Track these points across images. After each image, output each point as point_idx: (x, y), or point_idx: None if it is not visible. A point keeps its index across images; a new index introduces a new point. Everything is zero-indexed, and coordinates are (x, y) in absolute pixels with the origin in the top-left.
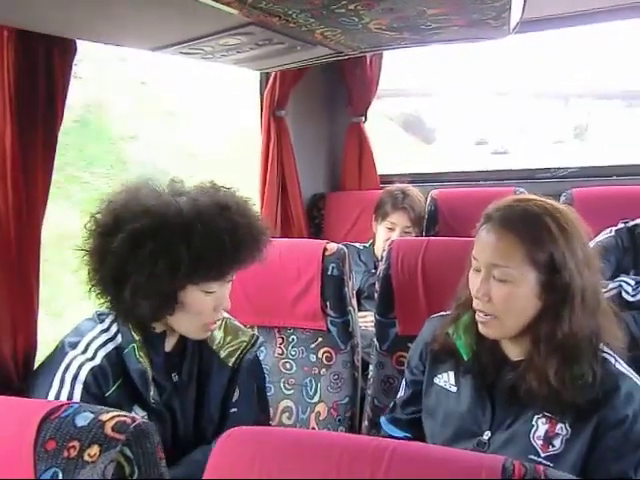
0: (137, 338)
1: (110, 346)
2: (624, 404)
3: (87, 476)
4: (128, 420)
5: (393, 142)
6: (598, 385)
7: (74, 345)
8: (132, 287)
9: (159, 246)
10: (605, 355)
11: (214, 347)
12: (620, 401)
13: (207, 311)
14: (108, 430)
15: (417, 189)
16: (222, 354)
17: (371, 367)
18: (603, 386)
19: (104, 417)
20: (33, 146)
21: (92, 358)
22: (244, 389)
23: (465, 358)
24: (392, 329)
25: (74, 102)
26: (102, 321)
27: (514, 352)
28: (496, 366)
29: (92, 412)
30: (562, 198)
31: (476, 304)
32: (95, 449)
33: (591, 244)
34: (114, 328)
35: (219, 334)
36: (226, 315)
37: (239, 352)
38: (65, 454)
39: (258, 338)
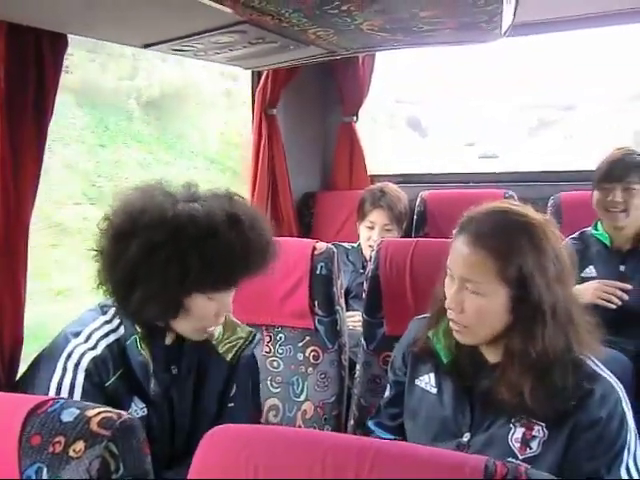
0: (139, 331)
1: (112, 337)
2: (598, 406)
3: (72, 472)
4: (114, 416)
5: (399, 134)
6: (573, 390)
7: (76, 334)
8: (142, 291)
9: (173, 255)
10: (582, 356)
11: (213, 342)
12: (595, 403)
13: (209, 316)
14: (94, 426)
15: (398, 188)
16: (220, 349)
17: (358, 366)
18: (579, 390)
19: (90, 413)
20: (23, 137)
21: (93, 347)
22: (241, 385)
23: (444, 361)
24: (379, 329)
25: None
26: (105, 313)
27: (492, 355)
28: (474, 369)
29: (78, 408)
30: (550, 201)
31: (449, 314)
32: (80, 445)
33: None
34: (117, 320)
35: (218, 329)
36: None
37: (237, 348)
38: (50, 449)
39: (256, 335)
